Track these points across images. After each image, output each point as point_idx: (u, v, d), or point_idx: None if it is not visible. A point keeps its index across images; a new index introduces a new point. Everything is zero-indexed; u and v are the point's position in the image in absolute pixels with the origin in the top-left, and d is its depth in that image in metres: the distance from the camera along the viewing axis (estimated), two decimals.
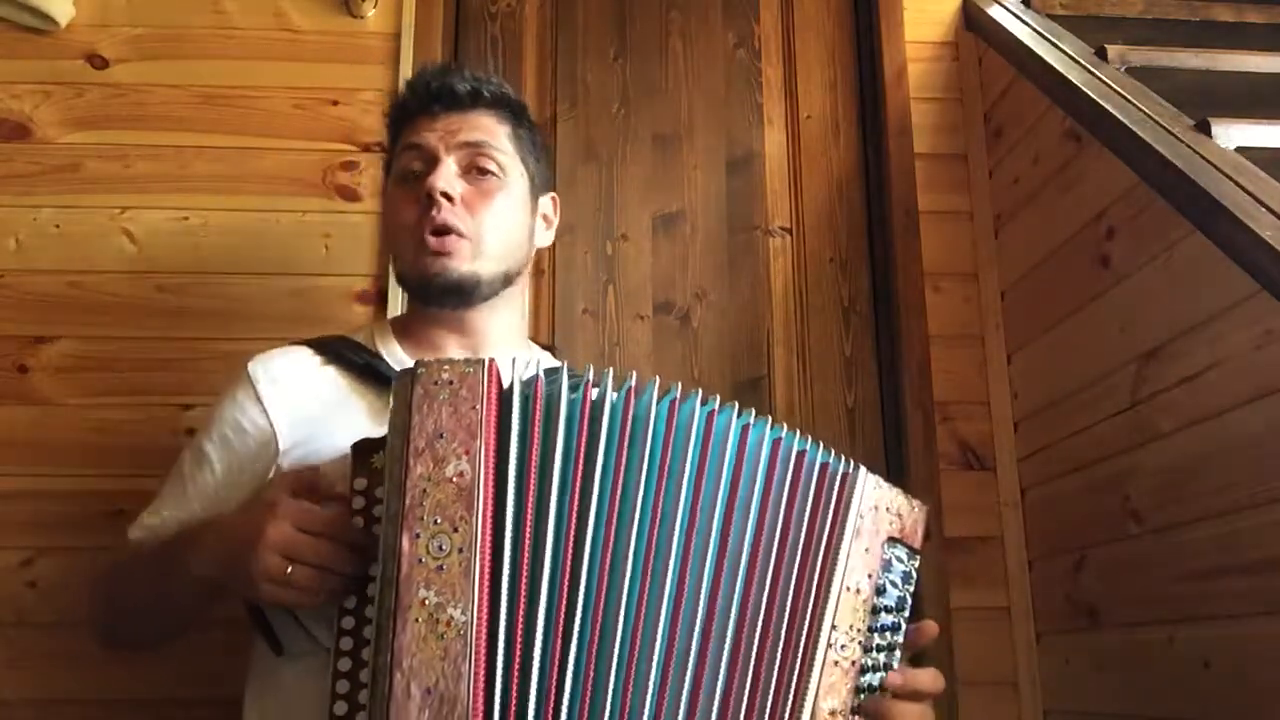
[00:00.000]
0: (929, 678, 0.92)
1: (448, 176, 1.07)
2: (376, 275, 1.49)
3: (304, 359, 1.08)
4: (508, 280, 1.12)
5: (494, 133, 1.12)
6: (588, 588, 0.80)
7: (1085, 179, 1.38)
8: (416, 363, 0.83)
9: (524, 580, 0.79)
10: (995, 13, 1.65)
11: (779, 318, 1.67)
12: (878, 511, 0.91)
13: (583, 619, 0.80)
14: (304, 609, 0.87)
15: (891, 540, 0.91)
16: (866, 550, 0.89)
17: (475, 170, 1.09)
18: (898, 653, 0.91)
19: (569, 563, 0.81)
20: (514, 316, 1.17)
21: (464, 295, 1.08)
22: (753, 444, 0.87)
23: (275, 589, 0.83)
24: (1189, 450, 1.16)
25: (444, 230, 1.06)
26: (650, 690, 0.81)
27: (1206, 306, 1.13)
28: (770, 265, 1.69)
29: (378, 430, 0.88)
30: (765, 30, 1.80)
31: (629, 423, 0.84)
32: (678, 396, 0.86)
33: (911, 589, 0.92)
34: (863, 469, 0.91)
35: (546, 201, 1.20)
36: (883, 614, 0.89)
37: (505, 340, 1.14)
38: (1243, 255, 1.07)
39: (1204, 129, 1.26)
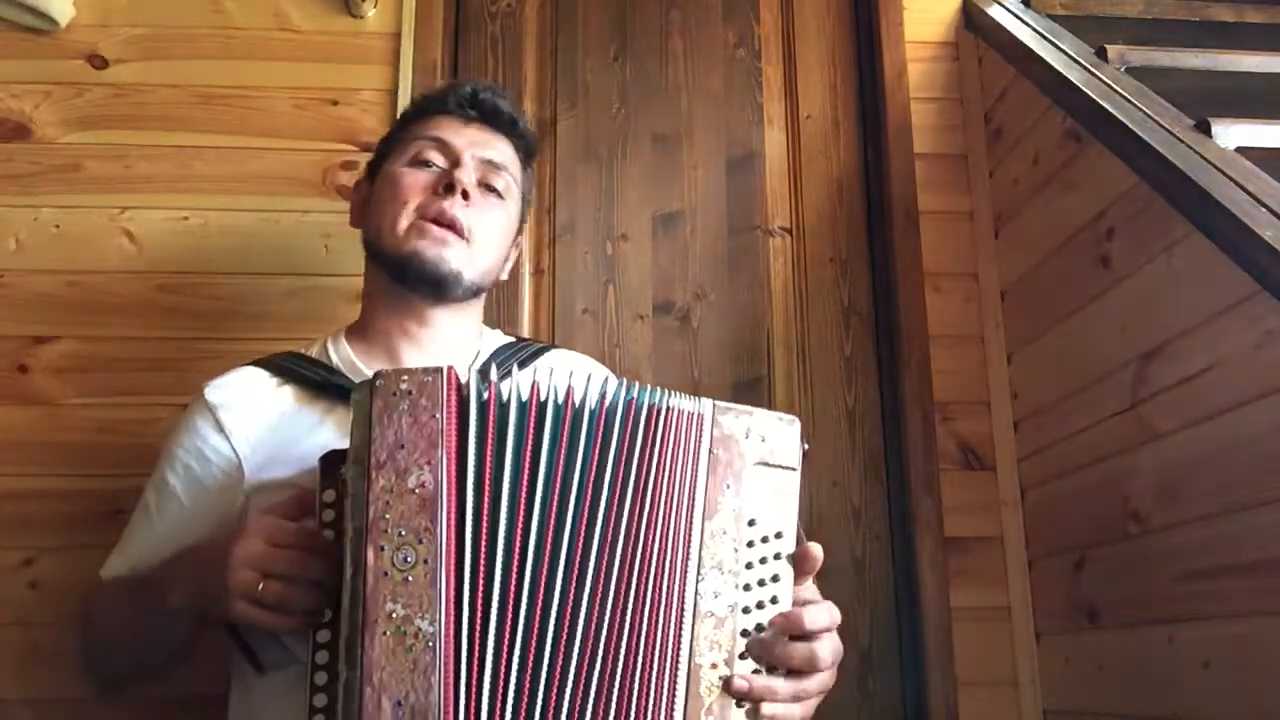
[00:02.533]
0: (819, 613, 0.85)
1: (472, 178, 1.10)
2: None
3: (259, 380, 1.08)
4: (477, 293, 1.14)
5: (511, 161, 1.16)
6: (531, 587, 0.80)
7: (1085, 179, 1.38)
8: (376, 374, 0.83)
9: (483, 587, 0.79)
10: (995, 13, 1.65)
11: (779, 318, 1.67)
12: (736, 441, 0.87)
13: (528, 619, 0.79)
14: (282, 630, 0.86)
15: (761, 465, 0.87)
16: (728, 485, 0.86)
17: (485, 186, 1.13)
18: (783, 581, 0.85)
19: (527, 566, 0.80)
20: (475, 320, 1.18)
21: (441, 289, 1.09)
22: (622, 414, 0.86)
23: (248, 607, 0.82)
24: (1189, 450, 1.16)
25: (452, 225, 1.07)
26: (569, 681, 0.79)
27: (1206, 306, 1.13)
28: (770, 265, 1.69)
29: (341, 443, 0.87)
30: (765, 30, 1.80)
31: (567, 421, 0.84)
32: (606, 392, 0.86)
33: (793, 510, 0.87)
34: (709, 402, 0.88)
35: (517, 240, 1.22)
36: (759, 545, 0.85)
37: (459, 336, 1.14)
38: (1243, 255, 1.07)
39: (1204, 129, 1.26)
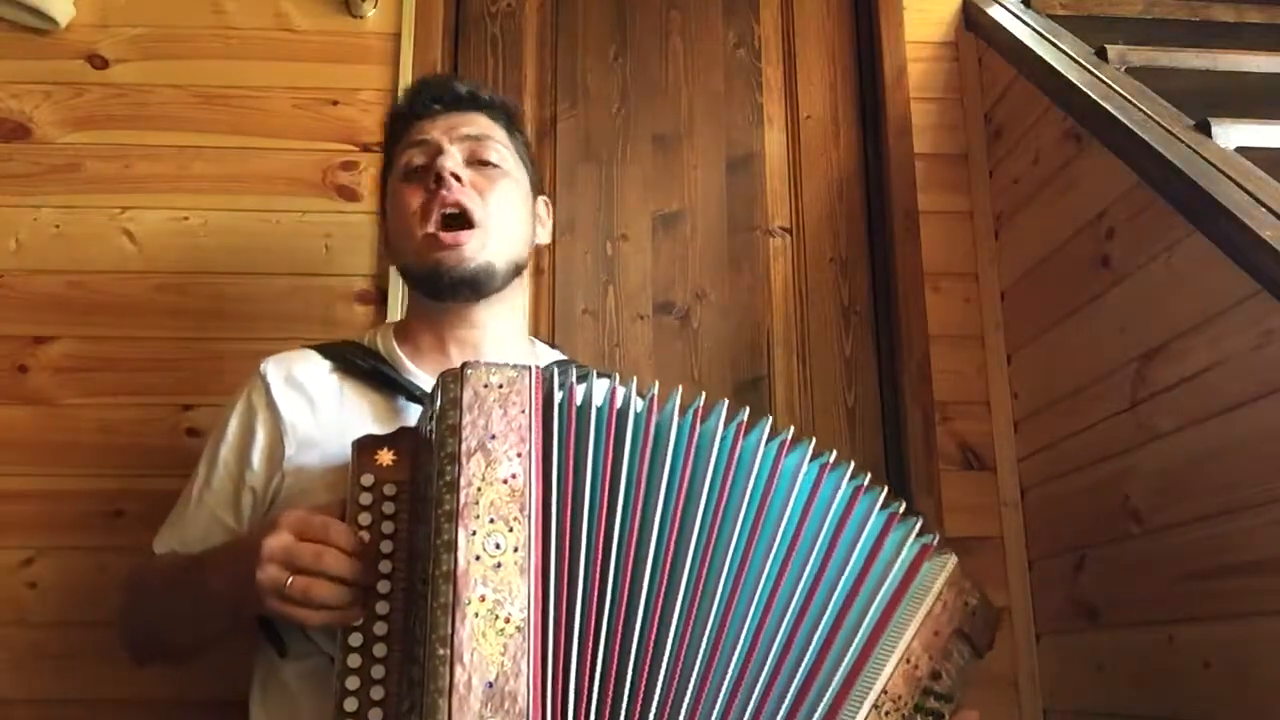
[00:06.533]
0: None
1: (456, 160, 1.09)
2: (376, 275, 1.49)
3: (314, 364, 1.09)
4: (516, 272, 1.13)
5: (492, 129, 1.15)
6: (648, 599, 0.83)
7: (1085, 179, 1.38)
8: (464, 364, 0.85)
9: (567, 583, 0.82)
10: (995, 13, 1.65)
11: (779, 318, 1.67)
12: (955, 601, 0.92)
13: (643, 627, 0.83)
14: (313, 626, 0.86)
15: (960, 634, 0.91)
16: (935, 633, 0.90)
17: (478, 161, 1.11)
18: None
19: (610, 571, 0.83)
20: (517, 314, 1.17)
21: (477, 287, 1.08)
22: (827, 487, 0.91)
23: (278, 603, 0.83)
24: (1189, 450, 1.16)
25: (456, 209, 1.06)
26: (688, 699, 0.83)
27: (1206, 306, 1.13)
28: (770, 265, 1.69)
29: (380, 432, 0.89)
30: (765, 30, 1.80)
31: (694, 444, 0.88)
32: (743, 421, 0.90)
33: (963, 685, 0.92)
34: (954, 556, 0.94)
35: (540, 203, 1.21)
36: (931, 699, 0.89)
37: (508, 337, 1.14)
38: (1243, 255, 1.07)
39: (1204, 129, 1.26)
